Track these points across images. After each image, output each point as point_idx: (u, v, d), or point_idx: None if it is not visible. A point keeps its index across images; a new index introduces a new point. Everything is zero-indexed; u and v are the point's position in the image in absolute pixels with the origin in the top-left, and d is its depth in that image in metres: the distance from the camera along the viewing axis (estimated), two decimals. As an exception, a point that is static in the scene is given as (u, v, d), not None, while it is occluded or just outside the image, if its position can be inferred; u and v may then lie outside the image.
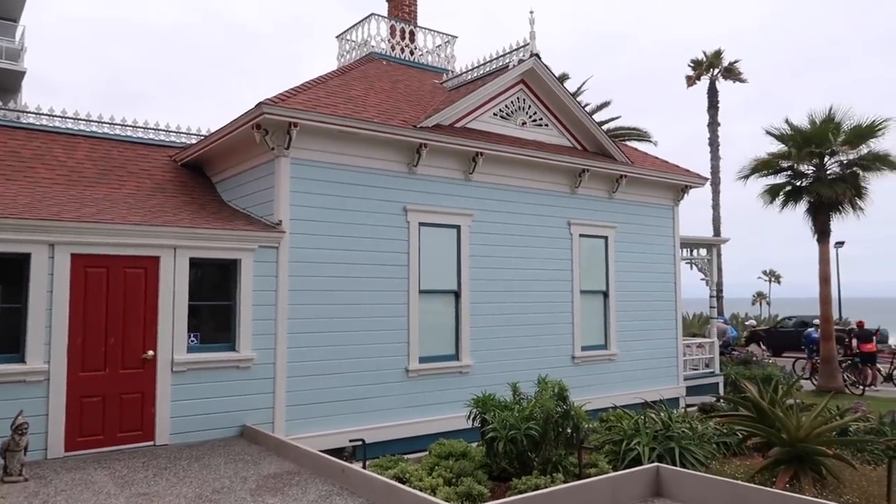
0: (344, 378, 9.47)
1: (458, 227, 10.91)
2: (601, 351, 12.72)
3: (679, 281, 14.29)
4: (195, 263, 8.62)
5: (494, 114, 11.84)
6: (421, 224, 10.47)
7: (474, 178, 11.10)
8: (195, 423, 8.29)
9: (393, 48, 14.56)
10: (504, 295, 11.37)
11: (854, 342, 19.45)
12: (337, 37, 15.18)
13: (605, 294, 12.93)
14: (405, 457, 8.25)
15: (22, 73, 29.94)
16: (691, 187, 14.39)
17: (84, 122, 11.16)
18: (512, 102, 12.07)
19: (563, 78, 26.43)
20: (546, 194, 12.12)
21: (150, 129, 11.75)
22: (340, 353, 9.46)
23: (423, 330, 10.32)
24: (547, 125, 12.54)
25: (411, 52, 14.85)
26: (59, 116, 11.02)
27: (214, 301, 8.79)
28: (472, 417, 7.80)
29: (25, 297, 7.50)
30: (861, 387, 18.24)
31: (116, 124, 11.47)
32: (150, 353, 8.12)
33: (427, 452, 8.27)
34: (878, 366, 19.06)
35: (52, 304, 7.58)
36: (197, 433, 8.26)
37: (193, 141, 11.70)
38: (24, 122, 10.84)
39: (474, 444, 8.10)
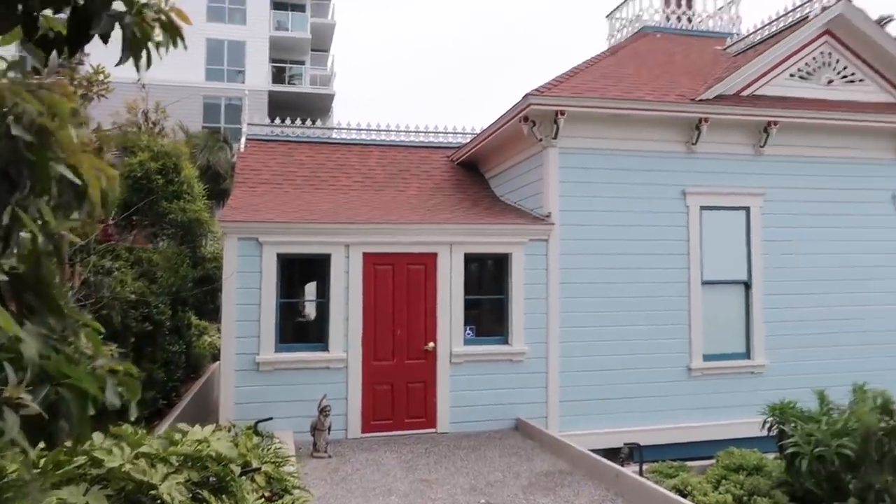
0: (618, 375, 9.01)
1: (747, 209, 9.66)
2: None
3: None
4: (469, 258, 8.93)
5: (791, 75, 10.21)
6: (702, 208, 9.49)
7: (766, 151, 9.72)
8: (472, 414, 8.59)
9: (668, 18, 13.45)
10: (804, 285, 9.75)
11: None
12: (607, 16, 14.55)
13: (950, 284, 10.36)
14: (686, 464, 7.55)
15: (331, 96, 34.76)
16: None
17: (375, 133, 12.34)
18: (814, 59, 10.29)
19: (884, 20, 22.01)
20: (862, 164, 10.12)
21: (429, 132, 12.56)
22: (614, 349, 9.02)
23: (706, 325, 9.35)
24: (862, 80, 10.45)
25: (689, 20, 13.57)
26: (355, 129, 12.33)
27: (487, 295, 9.02)
28: (767, 426, 6.81)
29: (327, 293, 8.48)
30: None
31: (401, 131, 12.47)
32: (431, 344, 8.61)
33: (713, 461, 7.46)
34: None
35: (349, 299, 8.45)
36: (474, 423, 8.55)
37: (467, 140, 12.18)
38: (328, 137, 12.35)
39: (770, 456, 7.07)
